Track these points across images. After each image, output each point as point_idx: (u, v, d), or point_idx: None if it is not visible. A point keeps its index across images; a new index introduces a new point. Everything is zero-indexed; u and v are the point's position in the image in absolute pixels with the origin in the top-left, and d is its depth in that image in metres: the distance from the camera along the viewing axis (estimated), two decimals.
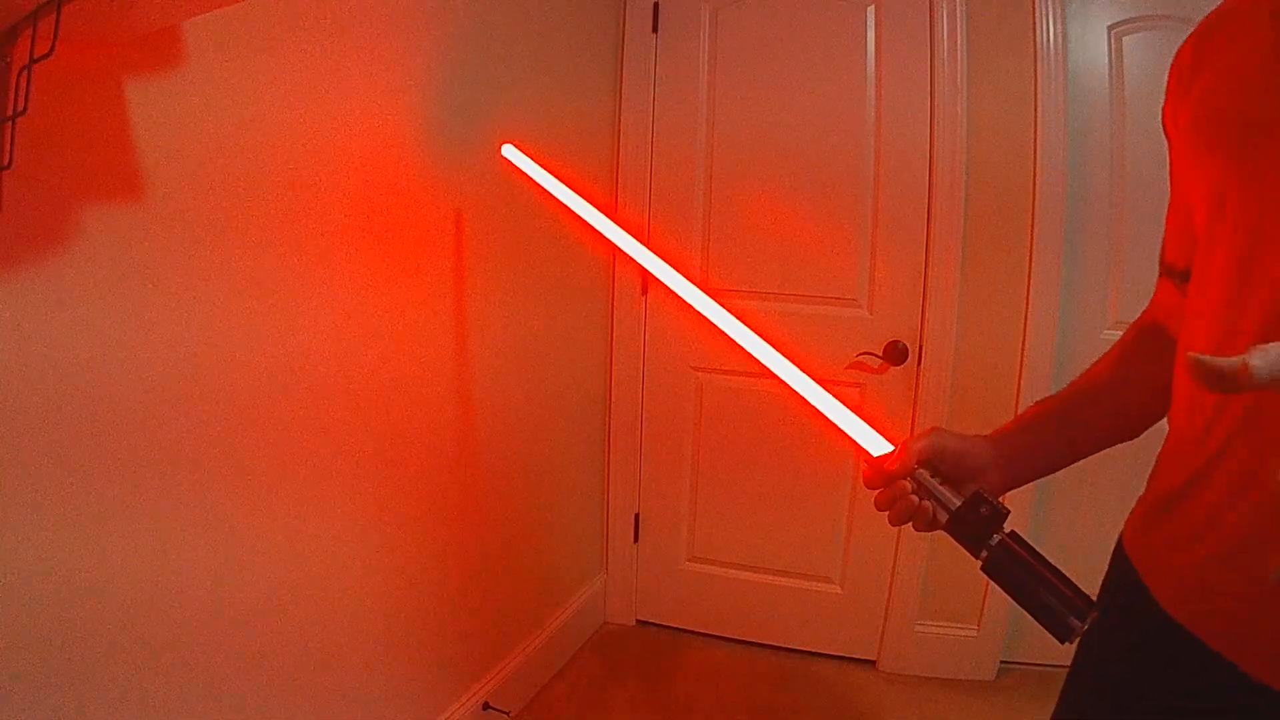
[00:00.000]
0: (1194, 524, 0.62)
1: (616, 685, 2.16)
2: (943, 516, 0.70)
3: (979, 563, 0.68)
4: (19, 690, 0.88)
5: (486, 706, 1.82)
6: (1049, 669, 2.15)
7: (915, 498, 0.71)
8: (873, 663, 2.28)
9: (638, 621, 2.48)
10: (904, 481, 0.71)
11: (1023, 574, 0.65)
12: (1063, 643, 0.64)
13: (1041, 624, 0.64)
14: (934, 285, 2.08)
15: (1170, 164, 0.73)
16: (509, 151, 1.31)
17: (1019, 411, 2.04)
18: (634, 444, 2.39)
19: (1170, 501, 0.66)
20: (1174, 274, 0.74)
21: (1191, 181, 0.67)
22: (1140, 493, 0.73)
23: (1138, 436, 0.79)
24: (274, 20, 1.12)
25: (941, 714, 2.08)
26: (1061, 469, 0.80)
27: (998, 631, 2.17)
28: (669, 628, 2.45)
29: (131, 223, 0.96)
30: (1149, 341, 0.79)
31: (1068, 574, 0.65)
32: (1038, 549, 0.67)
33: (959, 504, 0.69)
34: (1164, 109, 0.72)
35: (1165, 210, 0.75)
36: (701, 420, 2.33)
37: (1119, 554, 0.74)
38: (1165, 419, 0.72)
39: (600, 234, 1.00)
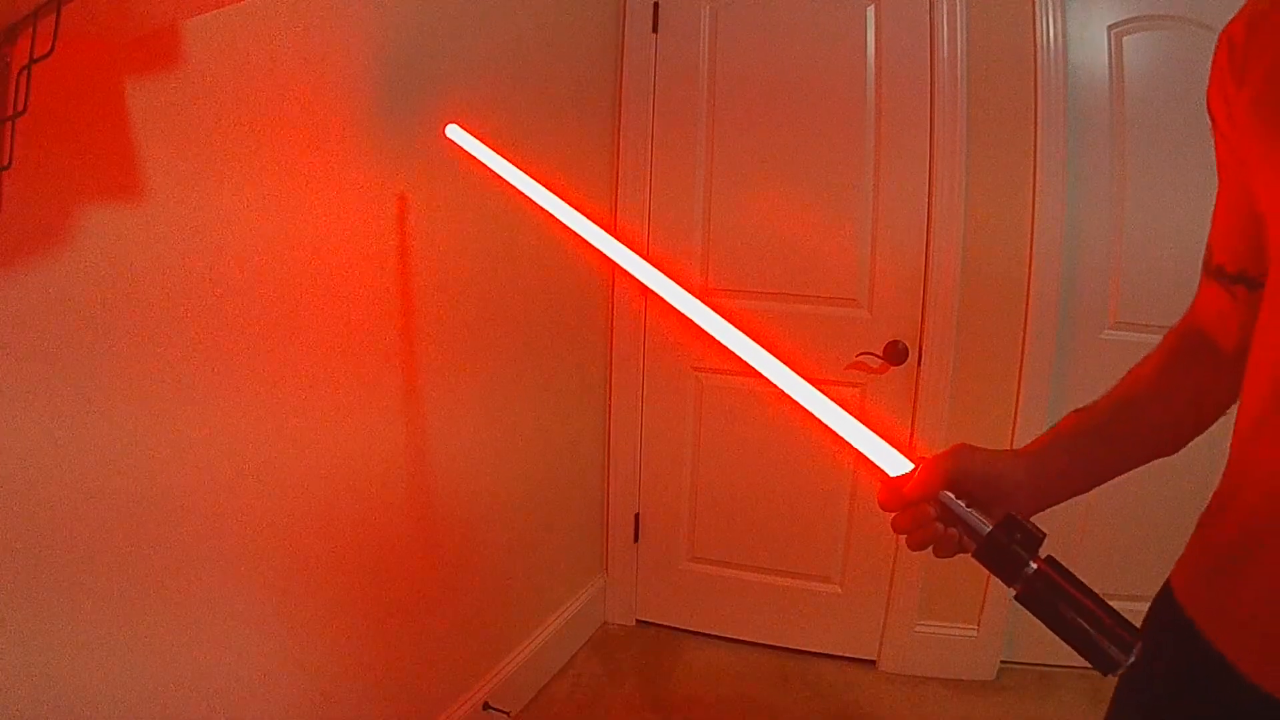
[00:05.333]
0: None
1: (616, 685, 2.16)
2: (971, 544, 0.64)
3: (1013, 593, 0.62)
4: None
5: (486, 706, 1.82)
6: (1049, 669, 2.15)
7: (940, 524, 0.64)
8: (873, 663, 2.28)
9: (638, 621, 2.47)
10: (926, 505, 0.65)
11: (1062, 604, 0.59)
12: (1105, 675, 0.59)
13: (1082, 656, 0.59)
14: (934, 285, 2.08)
15: (1218, 154, 0.66)
16: (453, 132, 1.17)
17: (1018, 413, 2.07)
18: (634, 444, 2.39)
19: (1241, 551, 0.58)
20: (1223, 277, 0.67)
21: (1257, 177, 0.60)
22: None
23: (1179, 451, 0.74)
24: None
25: (941, 714, 2.08)
26: (1095, 488, 0.73)
27: (998, 631, 2.17)
28: (669, 628, 2.44)
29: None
30: (1191, 350, 0.73)
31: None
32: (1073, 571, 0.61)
33: (990, 529, 0.62)
34: (1209, 93, 0.65)
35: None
36: (701, 420, 2.33)
37: (1169, 606, 0.66)
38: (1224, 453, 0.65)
39: (559, 221, 0.91)
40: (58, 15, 0.67)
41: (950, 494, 0.65)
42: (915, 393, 2.13)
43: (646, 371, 2.36)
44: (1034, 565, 0.61)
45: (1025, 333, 2.05)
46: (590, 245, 0.86)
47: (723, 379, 2.27)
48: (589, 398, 2.31)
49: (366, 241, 1.36)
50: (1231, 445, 0.63)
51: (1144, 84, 1.96)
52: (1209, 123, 0.67)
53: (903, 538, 0.67)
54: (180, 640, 1.08)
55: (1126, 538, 2.05)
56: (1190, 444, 0.74)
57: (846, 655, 2.30)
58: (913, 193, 2.07)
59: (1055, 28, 1.96)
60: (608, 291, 2.34)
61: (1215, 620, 0.61)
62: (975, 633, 2.19)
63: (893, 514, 0.67)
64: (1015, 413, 2.07)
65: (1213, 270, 0.70)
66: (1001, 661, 2.20)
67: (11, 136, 0.75)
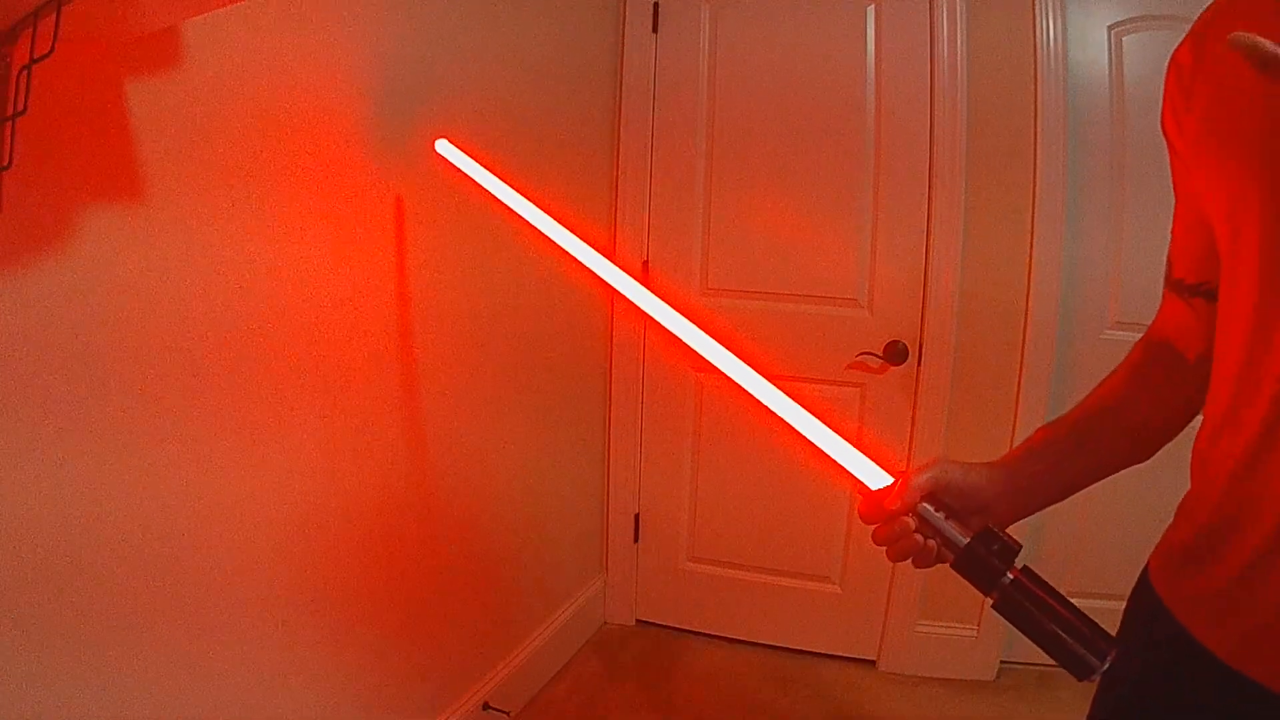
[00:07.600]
0: (1242, 569, 0.58)
1: (616, 685, 2.16)
2: (949, 555, 0.66)
3: (990, 602, 0.64)
4: None
5: (486, 706, 1.82)
6: (1049, 669, 2.15)
7: (919, 536, 0.66)
8: (873, 663, 2.28)
9: (638, 621, 2.48)
10: (906, 518, 0.66)
11: (1038, 613, 0.62)
12: (1081, 681, 0.61)
13: (1058, 662, 0.61)
14: (934, 285, 2.08)
15: (1174, 173, 0.69)
16: (443, 147, 1.19)
17: (1018, 412, 2.07)
18: (634, 444, 2.39)
19: (1211, 543, 0.61)
20: (1182, 290, 0.70)
21: (1207, 191, 0.63)
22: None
23: (1150, 458, 0.76)
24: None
25: (941, 714, 2.08)
26: (1069, 496, 0.75)
27: (998, 631, 2.16)
28: (669, 628, 2.44)
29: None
30: (1157, 360, 0.75)
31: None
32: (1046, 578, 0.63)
33: (967, 541, 0.65)
34: (1163, 114, 0.68)
35: (1166, 210, 0.72)
36: (701, 420, 2.33)
37: (1146, 594, 0.69)
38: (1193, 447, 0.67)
39: (547, 238, 0.96)
40: (58, 15, 0.67)
41: (929, 506, 0.66)
42: (915, 392, 2.13)
43: (646, 372, 2.36)
44: (1010, 575, 0.63)
45: (1025, 332, 2.05)
46: (580, 263, 0.88)
47: (723, 379, 2.26)
48: (589, 398, 2.31)
49: (365, 243, 1.36)
50: (1196, 444, 0.66)
51: (1144, 84, 1.96)
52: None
53: (896, 563, 0.70)
54: (180, 644, 1.08)
55: (1116, 538, 2.05)
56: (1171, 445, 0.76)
57: (846, 655, 2.30)
58: (913, 192, 2.07)
59: (1055, 28, 1.96)
60: (608, 292, 2.33)
61: (1185, 605, 0.64)
62: (975, 633, 2.19)
63: (874, 526, 0.68)
64: (1015, 412, 2.06)
65: (1173, 284, 0.72)
66: (1001, 661, 2.20)
67: (11, 136, 0.75)
